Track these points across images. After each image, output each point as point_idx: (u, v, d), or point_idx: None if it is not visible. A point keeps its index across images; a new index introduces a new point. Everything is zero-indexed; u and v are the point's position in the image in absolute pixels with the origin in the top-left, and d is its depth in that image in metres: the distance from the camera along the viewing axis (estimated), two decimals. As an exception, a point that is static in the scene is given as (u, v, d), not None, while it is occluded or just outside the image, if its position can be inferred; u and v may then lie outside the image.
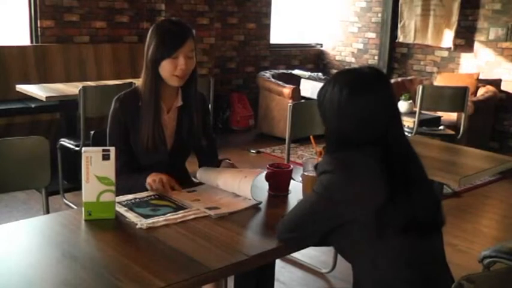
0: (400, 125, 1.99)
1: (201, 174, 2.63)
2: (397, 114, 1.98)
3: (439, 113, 6.29)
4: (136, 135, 2.60)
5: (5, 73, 6.08)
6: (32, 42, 6.47)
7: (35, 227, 2.09)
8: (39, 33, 6.41)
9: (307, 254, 3.96)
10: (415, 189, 1.88)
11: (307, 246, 2.15)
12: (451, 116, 6.65)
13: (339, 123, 1.94)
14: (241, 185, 2.38)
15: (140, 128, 2.59)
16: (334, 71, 8.68)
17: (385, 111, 1.93)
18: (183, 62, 2.52)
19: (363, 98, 1.89)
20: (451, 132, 5.93)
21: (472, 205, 5.44)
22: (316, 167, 2.07)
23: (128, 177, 2.52)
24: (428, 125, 5.98)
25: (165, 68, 2.53)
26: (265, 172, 2.47)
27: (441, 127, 6.10)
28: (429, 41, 8.27)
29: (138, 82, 2.69)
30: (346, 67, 2.17)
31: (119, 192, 2.25)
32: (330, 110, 1.95)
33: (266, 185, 2.48)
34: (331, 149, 1.98)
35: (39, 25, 6.39)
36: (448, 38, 8.02)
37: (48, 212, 2.69)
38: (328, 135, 2.02)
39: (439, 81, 7.68)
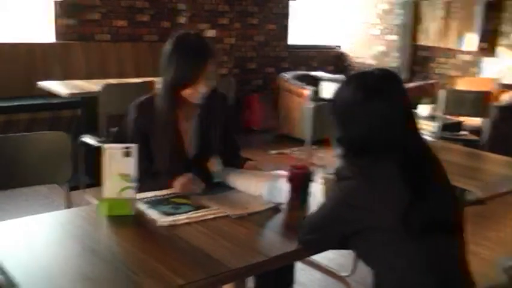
0: (417, 127, 1.96)
1: (222, 175, 2.61)
2: (412, 115, 1.95)
3: (461, 118, 6.23)
4: (156, 141, 2.58)
5: (29, 70, 6.13)
6: (54, 39, 6.51)
7: (56, 221, 2.11)
8: (62, 31, 6.45)
9: (327, 257, 3.92)
10: (435, 191, 1.86)
11: (326, 249, 2.14)
12: (474, 121, 6.58)
13: (354, 130, 1.92)
14: (259, 187, 2.37)
15: (158, 139, 2.57)
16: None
17: (400, 113, 1.90)
18: (203, 87, 2.51)
19: (376, 102, 1.87)
20: (474, 137, 5.85)
21: (495, 212, 5.36)
22: (335, 172, 2.05)
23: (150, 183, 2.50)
24: (450, 129, 5.91)
25: (185, 91, 2.52)
26: (283, 177, 2.46)
27: (464, 132, 6.03)
28: (451, 44, 8.22)
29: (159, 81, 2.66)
30: (361, 70, 2.17)
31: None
32: (344, 116, 1.93)
33: (287, 186, 2.46)
34: (348, 155, 1.96)
35: (62, 23, 6.43)
36: (470, 41, 7.96)
37: (69, 207, 2.70)
38: (343, 142, 1.99)
39: (461, 85, 7.61)
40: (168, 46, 2.54)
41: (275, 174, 2.43)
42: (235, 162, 2.70)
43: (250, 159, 2.74)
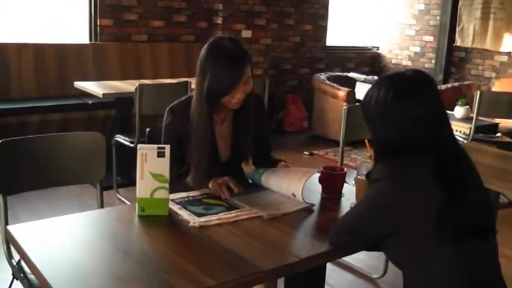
0: (450, 128, 1.94)
1: (255, 176, 2.60)
2: (445, 117, 1.94)
3: (497, 120, 6.15)
4: (190, 145, 2.55)
5: (64, 70, 6.22)
6: (90, 40, 6.59)
7: (90, 221, 2.13)
8: (98, 32, 6.53)
9: (358, 258, 3.91)
10: (469, 194, 1.84)
11: (358, 251, 2.13)
12: (509, 123, 6.49)
13: (386, 131, 1.91)
14: (291, 187, 2.37)
15: (192, 143, 2.53)
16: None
17: (433, 115, 1.88)
18: (240, 95, 2.44)
19: (408, 103, 1.86)
20: (509, 139, 5.77)
21: (528, 215, 5.28)
22: (368, 174, 2.04)
23: (182, 185, 2.50)
24: (485, 131, 5.83)
25: (222, 99, 2.46)
26: (317, 173, 2.46)
27: (498, 134, 5.95)
28: (488, 45, 8.10)
29: (194, 81, 2.66)
30: (395, 71, 2.15)
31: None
32: (376, 117, 1.93)
33: (319, 187, 2.46)
34: (381, 157, 1.96)
35: (98, 24, 6.51)
36: (508, 42, 7.84)
37: (102, 207, 2.72)
38: (375, 144, 1.99)
39: (498, 87, 7.51)
40: (202, 53, 2.46)
41: (308, 171, 2.41)
42: (267, 164, 2.69)
43: (282, 161, 2.73)
